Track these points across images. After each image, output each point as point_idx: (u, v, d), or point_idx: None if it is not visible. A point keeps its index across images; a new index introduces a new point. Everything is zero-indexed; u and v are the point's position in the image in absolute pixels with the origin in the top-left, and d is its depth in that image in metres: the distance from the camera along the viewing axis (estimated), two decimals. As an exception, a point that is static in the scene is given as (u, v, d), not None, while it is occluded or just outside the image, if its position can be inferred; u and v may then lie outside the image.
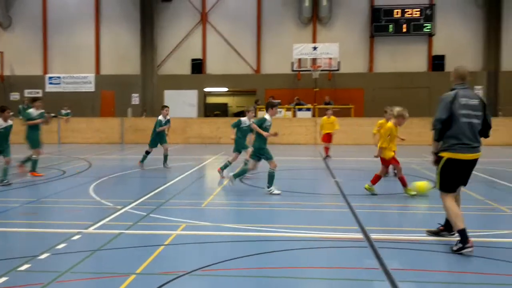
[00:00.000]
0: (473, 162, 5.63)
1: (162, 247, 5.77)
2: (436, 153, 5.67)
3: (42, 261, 5.22)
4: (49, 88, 27.79)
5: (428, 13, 26.52)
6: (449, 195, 5.66)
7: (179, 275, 4.76)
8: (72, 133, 23.73)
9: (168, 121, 13.55)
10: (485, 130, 5.65)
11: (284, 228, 6.61)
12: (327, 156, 16.06)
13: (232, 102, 32.05)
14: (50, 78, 27.91)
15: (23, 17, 28.36)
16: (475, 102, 5.58)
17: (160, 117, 13.33)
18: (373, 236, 6.14)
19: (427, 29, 26.60)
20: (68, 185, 10.82)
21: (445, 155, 5.56)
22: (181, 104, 27.01)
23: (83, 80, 27.87)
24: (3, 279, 4.63)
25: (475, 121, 5.55)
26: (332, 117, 16.31)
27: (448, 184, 5.66)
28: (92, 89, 27.77)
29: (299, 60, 25.21)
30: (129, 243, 6.01)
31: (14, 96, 27.83)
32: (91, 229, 6.57)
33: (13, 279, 4.64)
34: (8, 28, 28.45)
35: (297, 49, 25.21)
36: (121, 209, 7.87)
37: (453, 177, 5.65)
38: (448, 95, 5.59)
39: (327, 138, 16.02)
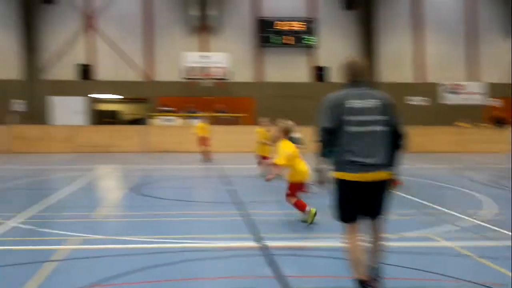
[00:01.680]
0: (370, 185, 4.18)
1: (51, 263, 5.52)
2: (320, 171, 4.35)
3: None
4: None
5: (311, 26, 28.01)
6: (347, 226, 4.28)
7: (72, 290, 4.60)
8: None
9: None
10: (395, 140, 4.24)
11: (179, 239, 6.52)
12: (207, 159, 16.86)
13: (124, 110, 31.14)
14: None
15: None
16: (371, 103, 4.19)
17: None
18: (268, 243, 6.16)
19: (310, 41, 28.07)
20: None
21: (335, 174, 4.26)
22: (68, 111, 25.69)
23: (-43, 86, 25.37)
24: None
25: (374, 128, 4.16)
26: (206, 123, 18.56)
27: (341, 211, 4.31)
28: (-32, 95, 25.40)
29: (191, 68, 25.28)
30: (16, 260, 5.66)
31: None
32: (-27, 248, 6.09)
33: None
34: None
35: (188, 57, 25.26)
36: (6, 223, 7.37)
37: (344, 202, 4.29)
38: (332, 97, 4.27)
39: (204, 141, 17.30)
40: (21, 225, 7.31)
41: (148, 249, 6.00)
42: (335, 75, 27.33)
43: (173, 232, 7.04)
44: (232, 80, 25.95)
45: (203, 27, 27.41)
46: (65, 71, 26.54)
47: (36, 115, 25.22)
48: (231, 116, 24.87)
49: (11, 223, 7.39)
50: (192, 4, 27.00)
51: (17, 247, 6.14)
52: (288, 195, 7.44)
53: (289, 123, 7.58)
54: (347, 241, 4.28)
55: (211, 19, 27.16)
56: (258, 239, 6.49)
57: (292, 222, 7.74)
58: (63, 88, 26.12)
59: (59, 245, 6.22)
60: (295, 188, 7.39)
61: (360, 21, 28.39)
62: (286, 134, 7.32)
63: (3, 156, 20.27)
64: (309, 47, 28.28)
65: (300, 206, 7.32)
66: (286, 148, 7.23)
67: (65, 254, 5.85)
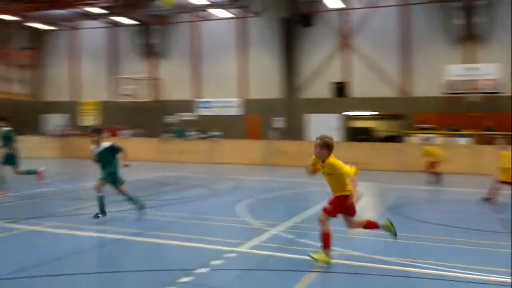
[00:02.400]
0: None
1: (311, 273, 5.75)
2: None
3: (202, 275, 5.52)
4: (201, 111, 29.98)
5: None
6: None
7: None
8: (222, 154, 25.15)
9: None
10: None
11: (434, 265, 6.17)
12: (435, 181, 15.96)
13: (377, 127, 31.28)
14: (202, 102, 30.07)
15: (179, 47, 31.09)
16: None
17: None
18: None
19: None
20: (219, 204, 11.42)
21: None
22: (324, 128, 27.07)
23: (230, 104, 29.51)
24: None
25: None
26: (435, 146, 17.20)
27: None
28: (238, 113, 29.23)
29: (453, 81, 23.81)
30: (280, 266, 6.11)
31: (170, 119, 30.46)
32: (243, 248, 6.81)
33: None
34: (166, 58, 31.39)
35: (451, 70, 23.86)
36: (270, 230, 8.06)
37: None
38: None
39: (433, 165, 16.27)
40: (282, 234, 7.87)
41: (403, 272, 5.79)
42: None
43: (429, 257, 6.66)
44: (505, 94, 23.42)
45: (468, 37, 25.56)
46: (320, 89, 28.16)
47: (294, 131, 27.34)
48: (504, 135, 22.31)
49: (274, 231, 8.04)
50: (455, 13, 25.53)
51: (278, 253, 6.61)
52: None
53: (331, 136, 6.55)
54: None
55: (478, 27, 25.15)
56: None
57: None
58: (319, 106, 27.73)
59: (318, 256, 6.45)
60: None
61: None
62: (331, 149, 6.39)
63: (265, 168, 22.53)
64: None
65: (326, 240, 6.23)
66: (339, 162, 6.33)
67: (323, 267, 6.01)
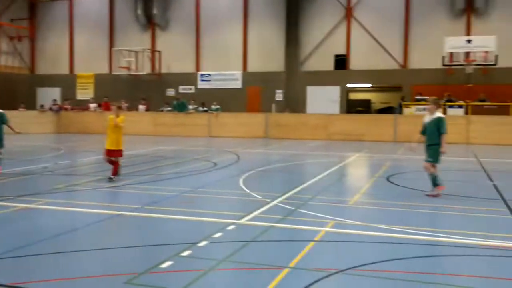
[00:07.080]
0: None
1: (312, 243, 5.84)
2: None
3: (202, 248, 5.59)
4: (200, 84, 29.77)
5: None
6: None
7: (331, 273, 4.77)
8: (221, 127, 25.16)
9: None
10: None
11: (436, 233, 6.30)
12: None
13: (376, 99, 31.21)
14: (202, 75, 29.85)
15: (179, 18, 30.64)
16: None
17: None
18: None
19: None
20: (219, 177, 11.49)
21: None
22: (324, 100, 27.04)
23: (231, 77, 29.30)
24: (168, 263, 5.03)
25: None
26: None
27: None
28: (239, 86, 29.07)
29: (451, 54, 23.66)
30: (280, 237, 6.21)
31: (170, 92, 30.26)
32: (243, 220, 6.89)
33: (177, 264, 5.04)
34: (166, 29, 30.97)
35: (449, 43, 23.65)
36: (270, 202, 8.14)
37: None
38: None
39: None
40: (282, 205, 7.96)
41: (402, 240, 5.88)
42: None
43: (429, 225, 6.88)
44: (497, 66, 23.31)
45: (467, 10, 25.28)
46: (322, 62, 27.93)
47: (294, 104, 27.26)
48: (495, 105, 22.55)
49: (274, 203, 8.12)
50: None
51: (279, 224, 6.70)
52: None
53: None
54: None
55: (476, 0, 24.88)
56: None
57: None
58: (320, 79, 27.56)
59: (314, 226, 6.56)
60: None
61: None
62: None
63: (265, 141, 22.60)
64: None
65: None
66: None
67: (320, 236, 6.13)
